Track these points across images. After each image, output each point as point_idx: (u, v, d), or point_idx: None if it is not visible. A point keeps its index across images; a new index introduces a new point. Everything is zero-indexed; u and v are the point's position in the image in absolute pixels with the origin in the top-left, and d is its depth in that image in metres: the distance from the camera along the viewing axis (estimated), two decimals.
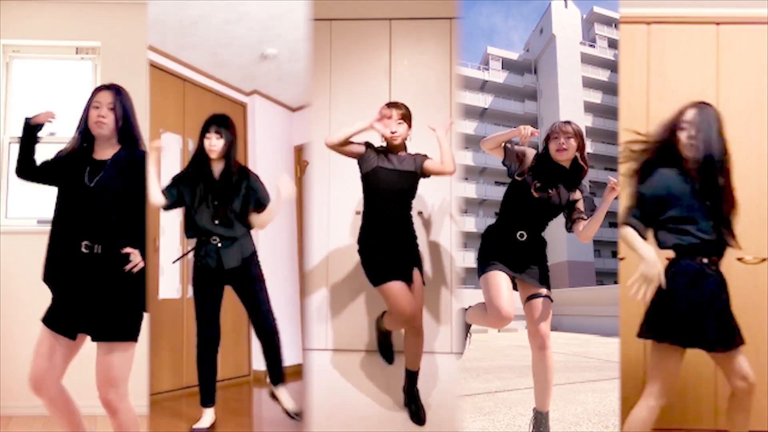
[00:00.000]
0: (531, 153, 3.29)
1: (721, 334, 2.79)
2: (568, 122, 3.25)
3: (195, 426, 3.87)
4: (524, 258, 3.32)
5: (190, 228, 3.83)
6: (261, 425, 4.37)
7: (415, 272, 3.55)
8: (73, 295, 2.86)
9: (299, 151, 5.46)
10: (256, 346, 5.23)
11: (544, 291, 3.30)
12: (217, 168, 3.76)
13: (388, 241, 3.52)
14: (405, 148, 3.60)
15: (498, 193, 32.92)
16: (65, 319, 2.87)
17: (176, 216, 4.77)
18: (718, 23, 3.85)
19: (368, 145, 3.54)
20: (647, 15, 3.87)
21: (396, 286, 3.42)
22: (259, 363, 5.27)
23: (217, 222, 3.73)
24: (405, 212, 3.59)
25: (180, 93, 4.91)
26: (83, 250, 2.87)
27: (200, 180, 3.75)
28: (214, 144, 3.69)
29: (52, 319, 2.89)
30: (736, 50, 3.84)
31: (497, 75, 35.87)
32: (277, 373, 3.99)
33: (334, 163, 4.67)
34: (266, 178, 5.30)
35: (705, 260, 2.80)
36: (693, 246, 2.81)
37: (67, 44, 4.92)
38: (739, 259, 3.62)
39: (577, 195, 3.33)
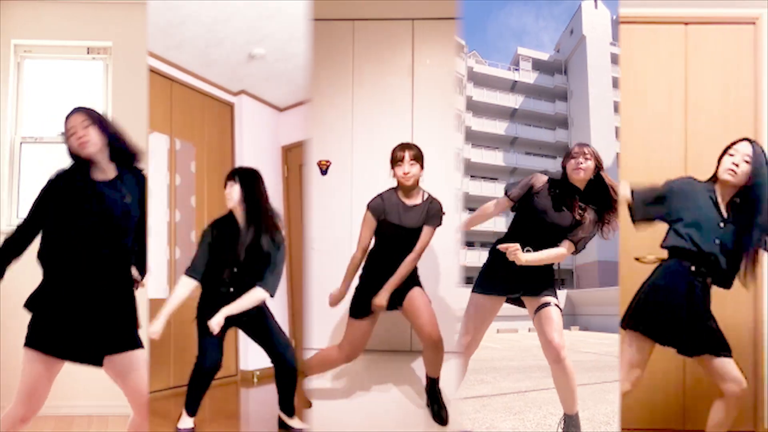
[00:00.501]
0: (541, 179, 3.26)
1: (695, 339, 2.86)
2: (586, 144, 3.18)
3: (179, 426, 3.80)
4: (528, 275, 3.26)
5: (200, 269, 3.72)
6: (248, 425, 4.33)
7: (416, 291, 3.55)
8: (95, 320, 2.81)
9: (287, 151, 5.40)
10: (243, 346, 5.21)
11: (551, 300, 3.24)
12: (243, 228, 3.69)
13: (376, 273, 3.55)
14: (419, 188, 3.55)
15: None
16: (88, 347, 2.81)
17: (163, 216, 4.73)
18: (686, 23, 3.84)
19: (371, 207, 3.50)
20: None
21: (363, 326, 3.56)
22: (246, 363, 5.21)
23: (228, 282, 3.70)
24: (408, 252, 3.53)
25: (167, 93, 4.84)
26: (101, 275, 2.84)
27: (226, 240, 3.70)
28: (228, 193, 3.67)
29: (67, 351, 2.80)
30: (705, 50, 3.83)
31: (528, 75, 35.47)
32: (291, 405, 3.88)
33: (357, 161, 4.75)
34: None
35: (692, 267, 2.90)
36: (686, 251, 2.91)
37: (78, 44, 4.92)
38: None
39: (586, 217, 3.20)
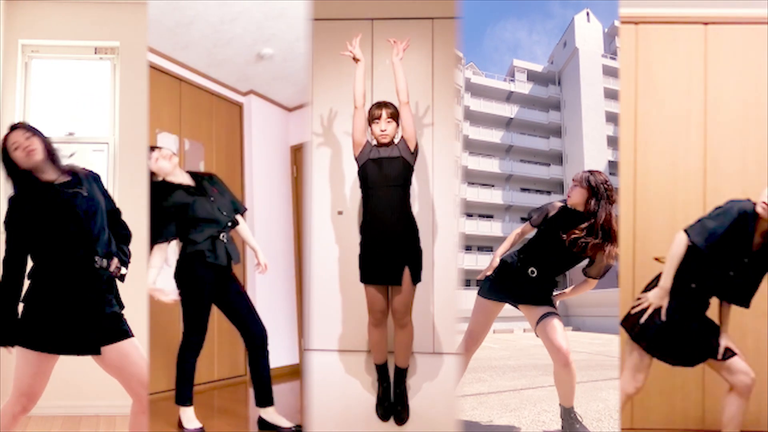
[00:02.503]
0: (556, 206, 3.32)
1: (697, 354, 2.90)
2: (587, 172, 3.24)
3: (187, 426, 3.65)
4: (530, 290, 3.32)
5: (195, 227, 3.64)
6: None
7: (405, 271, 3.34)
8: (94, 310, 2.76)
9: (295, 151, 5.20)
10: None
11: (551, 310, 3.28)
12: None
13: (384, 236, 3.33)
14: (393, 144, 3.43)
15: (523, 199, 32.73)
16: (82, 338, 2.73)
17: None
18: (705, 23, 3.63)
19: (368, 142, 3.40)
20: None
21: (371, 292, 3.37)
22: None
23: (225, 213, 3.70)
24: (399, 201, 3.37)
25: (176, 93, 4.65)
26: (96, 265, 2.79)
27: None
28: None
29: (63, 345, 2.72)
30: (725, 50, 3.63)
31: (523, 86, 35.54)
32: (269, 393, 3.76)
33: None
34: (263, 179, 5.08)
35: (693, 285, 2.87)
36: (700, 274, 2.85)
37: (85, 44, 4.73)
38: None
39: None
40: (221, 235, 3.65)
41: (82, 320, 2.71)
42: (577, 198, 3.19)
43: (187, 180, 3.70)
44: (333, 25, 4.50)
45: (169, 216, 3.58)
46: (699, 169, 3.56)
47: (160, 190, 3.61)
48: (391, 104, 3.37)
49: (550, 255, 3.27)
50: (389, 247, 3.33)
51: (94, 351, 2.74)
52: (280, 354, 4.95)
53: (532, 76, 35.91)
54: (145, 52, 4.47)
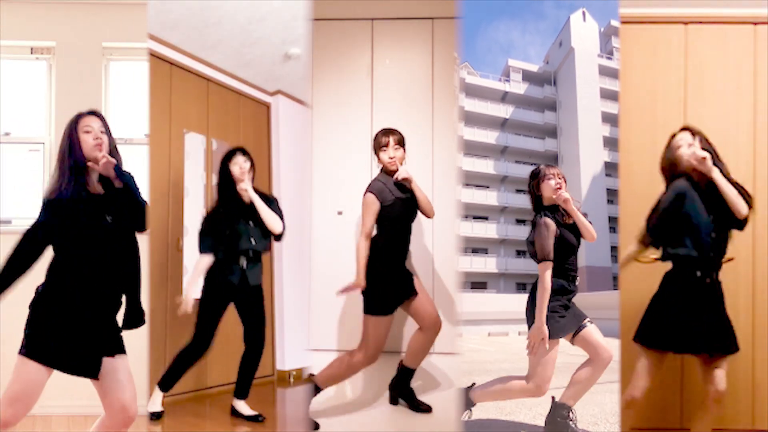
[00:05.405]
0: (550, 222, 3.18)
1: (709, 341, 2.75)
2: (551, 168, 3.25)
3: (149, 409, 3.86)
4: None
5: (218, 245, 3.90)
6: (284, 425, 4.12)
7: (416, 281, 3.46)
8: (96, 327, 2.59)
9: None
10: (279, 345, 5.06)
11: (586, 319, 3.29)
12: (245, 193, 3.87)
13: (395, 265, 3.41)
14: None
15: (519, 201, 32.63)
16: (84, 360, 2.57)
17: (200, 217, 4.52)
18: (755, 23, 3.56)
19: (374, 190, 3.34)
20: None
21: (387, 323, 3.35)
22: (282, 363, 5.05)
23: (254, 242, 3.86)
24: (409, 234, 3.49)
25: (203, 93, 4.67)
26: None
27: (234, 205, 3.87)
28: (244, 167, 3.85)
29: (65, 363, 2.55)
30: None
31: (518, 86, 35.49)
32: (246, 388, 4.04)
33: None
34: (290, 179, 5.07)
35: (698, 273, 2.77)
36: (688, 258, 2.76)
37: (21, 44, 4.65)
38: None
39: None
40: (240, 258, 3.89)
41: (83, 343, 2.56)
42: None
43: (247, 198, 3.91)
44: (333, 25, 4.53)
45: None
46: (748, 171, 3.48)
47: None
48: (397, 131, 3.40)
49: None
50: (400, 274, 3.42)
51: (93, 374, 2.60)
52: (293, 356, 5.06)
53: (527, 77, 35.89)
54: (87, 51, 4.53)
